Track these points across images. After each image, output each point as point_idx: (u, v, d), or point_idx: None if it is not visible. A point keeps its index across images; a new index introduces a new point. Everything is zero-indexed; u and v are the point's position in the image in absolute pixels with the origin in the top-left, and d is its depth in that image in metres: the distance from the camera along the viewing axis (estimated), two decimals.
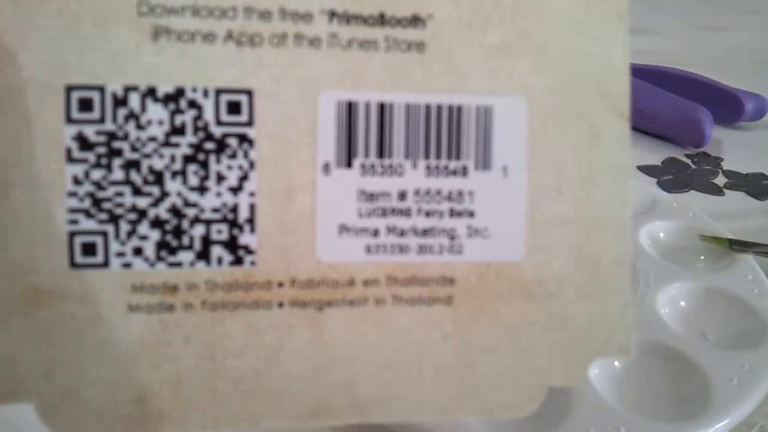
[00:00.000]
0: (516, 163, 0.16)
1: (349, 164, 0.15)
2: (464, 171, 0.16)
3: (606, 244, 0.16)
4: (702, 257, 0.25)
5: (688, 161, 0.38)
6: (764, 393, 0.18)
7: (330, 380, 0.15)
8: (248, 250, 0.15)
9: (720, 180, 0.37)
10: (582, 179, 0.16)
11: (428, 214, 0.15)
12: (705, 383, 0.18)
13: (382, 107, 0.15)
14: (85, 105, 0.14)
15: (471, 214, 0.16)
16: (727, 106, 0.43)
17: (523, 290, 0.16)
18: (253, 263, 0.15)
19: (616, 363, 0.19)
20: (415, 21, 0.15)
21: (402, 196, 0.15)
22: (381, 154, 0.15)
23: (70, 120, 0.14)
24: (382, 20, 0.15)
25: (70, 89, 0.14)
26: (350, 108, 0.15)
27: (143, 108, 0.14)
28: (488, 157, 0.16)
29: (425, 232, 0.15)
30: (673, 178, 0.35)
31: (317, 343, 0.15)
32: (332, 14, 0.15)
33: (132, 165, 0.14)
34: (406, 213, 0.15)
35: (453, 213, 0.16)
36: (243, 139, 0.15)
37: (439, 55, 0.15)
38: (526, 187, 0.16)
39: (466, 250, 0.16)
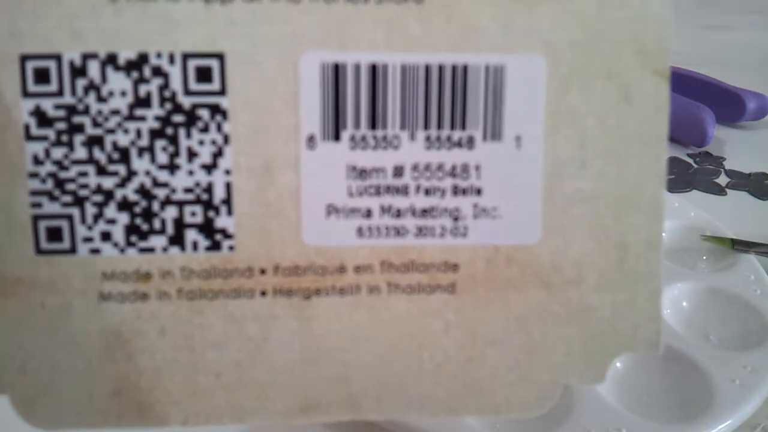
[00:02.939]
0: (531, 133, 0.14)
1: (336, 137, 0.14)
2: (470, 142, 0.14)
3: (635, 226, 0.15)
4: (704, 257, 0.26)
5: (690, 161, 0.39)
6: (767, 394, 0.18)
7: (320, 374, 0.15)
8: (226, 234, 0.14)
9: (722, 180, 0.37)
10: (610, 151, 0.15)
11: (428, 192, 0.14)
12: (707, 384, 0.18)
13: (373, 69, 0.14)
14: (42, 76, 0.13)
15: (477, 192, 0.14)
16: (730, 105, 0.43)
17: (537, 277, 0.15)
18: (231, 248, 0.14)
19: (618, 363, 0.19)
20: None
21: (398, 171, 0.14)
22: (373, 124, 0.14)
23: (26, 93, 0.13)
24: None
25: (24, 59, 0.13)
26: (337, 71, 0.14)
27: (104, 78, 0.13)
28: (499, 126, 0.14)
29: (425, 213, 0.14)
30: (675, 177, 0.37)
31: (305, 334, 0.15)
32: None
33: (95, 141, 0.14)
34: (403, 191, 0.14)
35: (456, 191, 0.14)
36: (215, 110, 0.14)
37: (441, 5, 0.14)
38: (542, 160, 0.14)
39: (471, 232, 0.15)
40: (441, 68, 0.14)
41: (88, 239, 0.14)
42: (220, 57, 0.14)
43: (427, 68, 0.14)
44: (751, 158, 0.40)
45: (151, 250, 0.14)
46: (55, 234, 0.14)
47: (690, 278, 0.24)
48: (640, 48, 0.14)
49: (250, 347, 0.15)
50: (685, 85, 0.44)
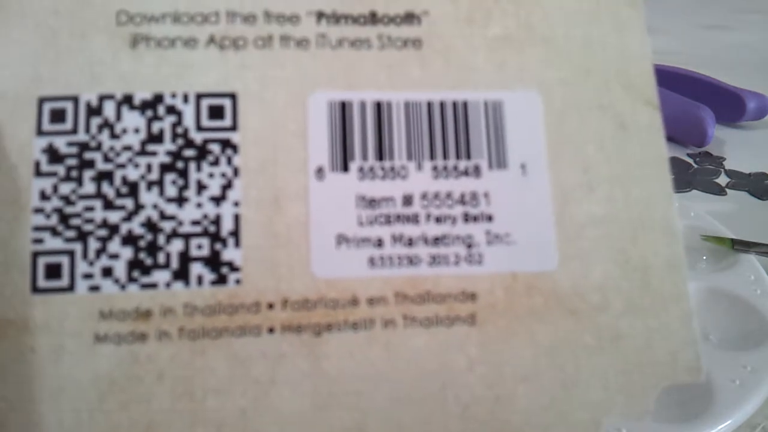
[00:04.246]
0: (535, 161, 0.15)
1: (345, 168, 0.14)
2: (477, 171, 0.15)
3: (653, 247, 0.15)
4: (704, 257, 0.26)
5: (690, 161, 0.40)
6: (766, 394, 0.19)
7: (333, 421, 0.13)
8: (232, 267, 0.14)
9: (722, 180, 0.38)
10: (614, 175, 0.15)
11: (439, 219, 0.14)
12: (707, 384, 0.18)
13: (378, 106, 0.15)
14: (57, 116, 0.14)
15: (489, 218, 0.15)
16: (729, 105, 0.44)
17: (561, 304, 0.14)
18: (238, 282, 0.14)
19: None
20: (410, 18, 0.15)
21: (407, 200, 0.14)
22: (381, 155, 0.15)
23: (40, 132, 0.14)
24: (373, 19, 0.15)
25: (42, 101, 0.14)
26: (344, 108, 0.15)
27: (118, 116, 0.14)
28: (503, 155, 0.15)
29: (437, 241, 0.14)
30: (675, 177, 0.37)
31: (316, 375, 0.14)
32: (320, 15, 0.15)
33: (104, 176, 0.14)
34: (414, 219, 0.14)
35: (468, 218, 0.14)
36: (226, 144, 0.14)
37: (438, 50, 0.15)
38: (549, 185, 0.15)
39: (486, 260, 0.14)
40: (442, 104, 0.15)
41: (88, 276, 0.14)
42: (232, 96, 0.14)
43: (429, 104, 0.15)
44: (751, 158, 0.40)
45: (153, 285, 0.14)
46: (53, 271, 0.13)
47: (690, 278, 0.23)
48: (627, 82, 0.16)
49: (257, 392, 0.13)
50: (685, 85, 0.44)
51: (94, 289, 0.14)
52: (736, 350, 0.20)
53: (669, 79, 0.44)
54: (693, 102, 0.41)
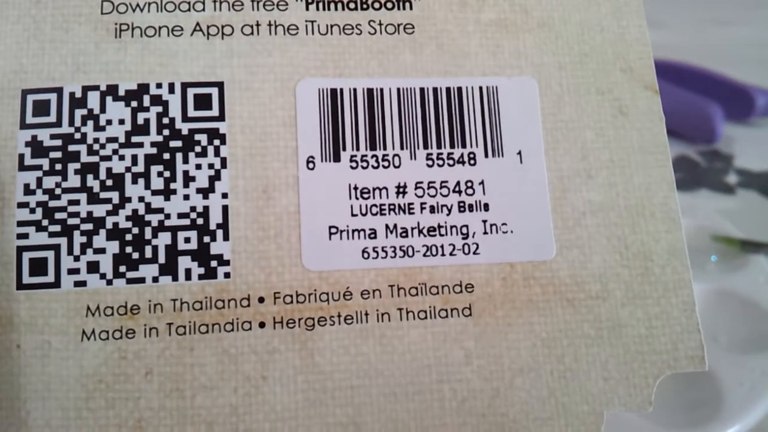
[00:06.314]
0: (532, 147, 0.15)
1: (336, 157, 0.14)
2: (471, 159, 0.14)
3: (654, 234, 0.14)
4: (713, 258, 0.26)
5: (699, 159, 0.39)
6: None
7: (326, 418, 0.13)
8: (221, 260, 0.14)
9: (731, 178, 0.37)
10: (614, 161, 0.15)
11: (434, 209, 0.14)
12: (716, 388, 0.18)
13: (370, 93, 0.14)
14: (41, 108, 0.14)
15: (485, 207, 0.14)
16: (738, 101, 0.43)
17: (559, 294, 0.14)
18: (227, 275, 0.14)
19: None
20: (401, 3, 0.15)
21: (401, 190, 0.14)
22: (373, 144, 0.14)
23: (24, 125, 0.14)
24: (364, 4, 0.15)
25: (26, 93, 0.14)
26: (334, 96, 0.14)
27: (103, 107, 0.14)
28: (498, 143, 0.15)
29: (432, 231, 0.14)
30: (682, 176, 0.36)
31: (308, 370, 0.13)
32: (309, 0, 0.15)
33: (89, 169, 0.14)
34: (408, 209, 0.14)
35: (463, 207, 0.14)
36: (214, 134, 0.14)
37: (431, 35, 0.15)
38: (547, 172, 0.15)
39: (483, 250, 0.14)
40: (436, 91, 0.15)
41: (74, 271, 0.13)
42: (219, 85, 0.14)
43: (422, 91, 0.15)
44: (761, 156, 0.39)
45: (140, 280, 0.13)
46: (39, 266, 0.13)
47: (699, 279, 0.23)
48: (626, 66, 0.15)
49: (248, 388, 0.13)
50: (693, 80, 0.43)
51: (80, 284, 0.13)
52: (745, 353, 0.20)
53: (676, 75, 0.43)
54: (701, 98, 0.41)
